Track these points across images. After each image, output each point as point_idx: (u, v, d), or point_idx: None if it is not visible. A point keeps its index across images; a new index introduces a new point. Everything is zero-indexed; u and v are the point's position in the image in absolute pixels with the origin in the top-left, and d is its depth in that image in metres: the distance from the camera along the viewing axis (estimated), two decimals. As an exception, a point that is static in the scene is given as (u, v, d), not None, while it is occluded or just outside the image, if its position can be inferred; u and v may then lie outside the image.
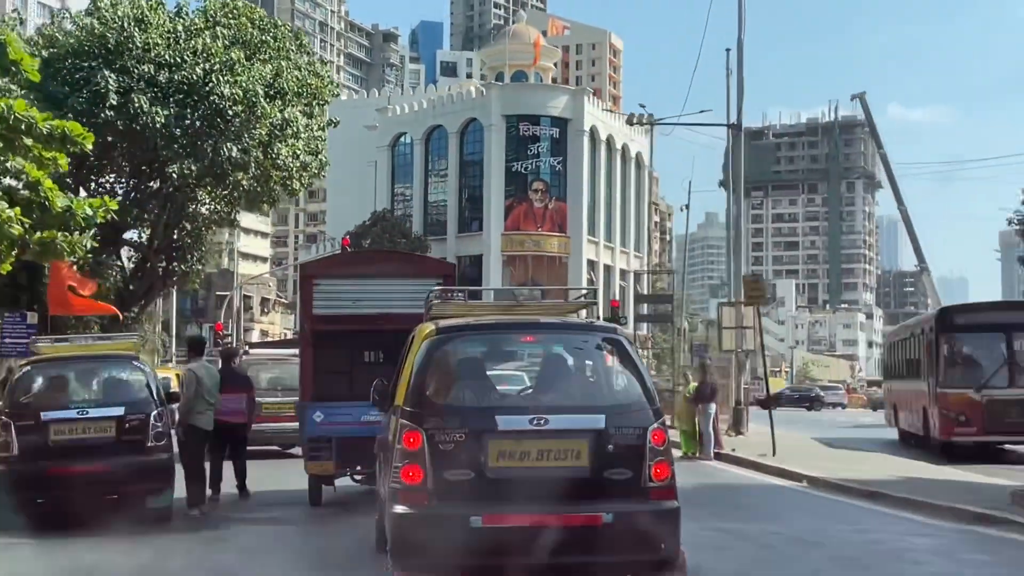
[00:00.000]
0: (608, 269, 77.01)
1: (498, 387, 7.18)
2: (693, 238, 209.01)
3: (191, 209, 28.78)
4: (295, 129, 27.86)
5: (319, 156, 29.38)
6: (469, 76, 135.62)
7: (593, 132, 74.76)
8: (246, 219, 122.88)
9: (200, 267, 29.77)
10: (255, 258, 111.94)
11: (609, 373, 6.94)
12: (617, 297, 76.33)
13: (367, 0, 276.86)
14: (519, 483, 6.29)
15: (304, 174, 29.26)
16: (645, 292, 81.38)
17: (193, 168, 25.94)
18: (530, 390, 7.30)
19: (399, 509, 6.35)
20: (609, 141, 77.24)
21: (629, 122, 24.13)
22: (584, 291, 8.73)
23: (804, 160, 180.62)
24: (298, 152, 28.11)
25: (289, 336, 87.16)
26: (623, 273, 79.17)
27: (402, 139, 77.02)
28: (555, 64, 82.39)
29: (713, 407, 18.40)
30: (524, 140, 71.48)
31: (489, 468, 6.31)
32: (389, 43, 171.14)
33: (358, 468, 12.00)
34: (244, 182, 27.11)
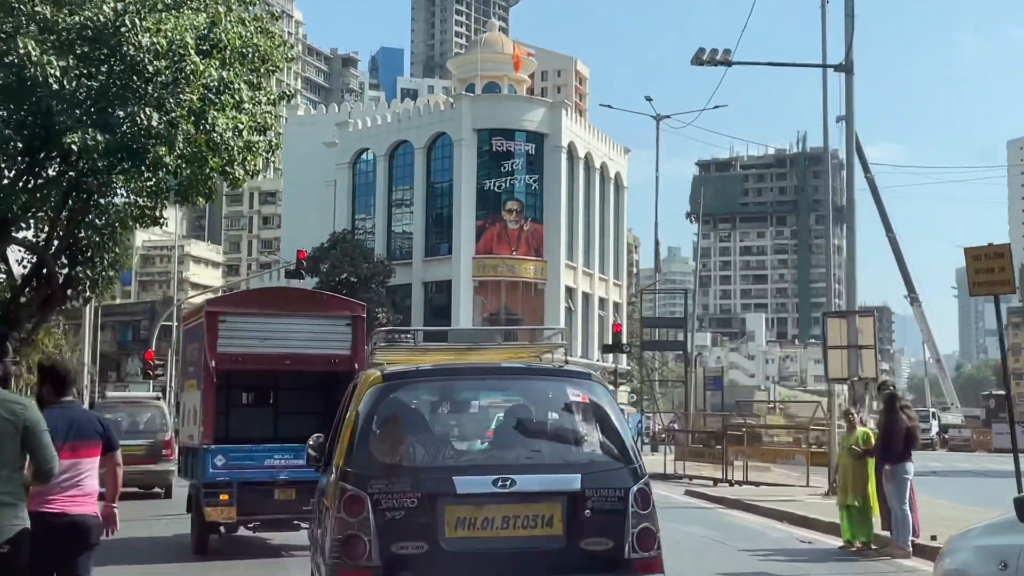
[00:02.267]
0: (587, 298, 72.67)
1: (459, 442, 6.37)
2: (651, 273, 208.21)
3: (101, 200, 22.33)
4: (237, 97, 21.53)
5: (268, 135, 22.97)
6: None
7: (571, 149, 70.33)
8: (196, 247, 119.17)
9: (112, 273, 23.22)
10: (205, 288, 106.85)
11: (584, 426, 6.28)
12: (596, 329, 71.33)
13: (326, 24, 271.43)
14: (481, 557, 5.68)
15: (249, 157, 22.79)
16: (624, 323, 77.09)
17: (100, 139, 19.52)
18: (489, 447, 6.32)
19: None
20: (587, 160, 72.92)
21: (698, 61, 17.47)
22: (556, 331, 7.95)
23: (772, 192, 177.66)
24: (240, 127, 21.72)
25: None
26: (602, 302, 74.54)
27: (364, 156, 72.50)
28: (530, 76, 76.91)
29: (911, 468, 11.84)
30: (497, 156, 67.26)
31: (445, 539, 5.68)
32: (348, 68, 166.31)
33: (257, 517, 11.42)
34: (168, 161, 20.61)
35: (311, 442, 7.23)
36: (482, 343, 7.49)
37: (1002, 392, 60.00)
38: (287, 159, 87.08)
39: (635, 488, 5.92)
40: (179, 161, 21.29)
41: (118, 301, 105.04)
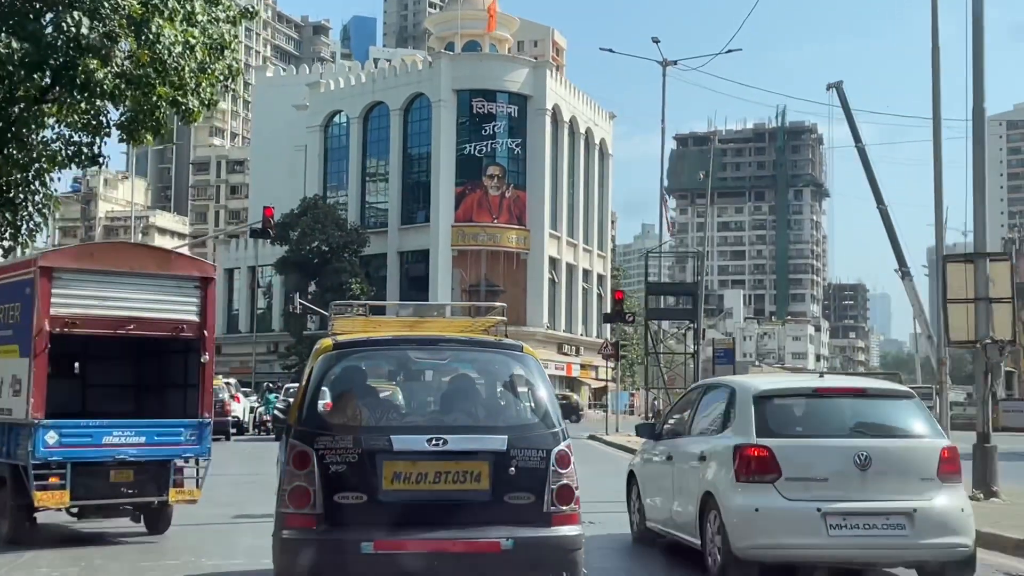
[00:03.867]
0: (571, 269, 70.10)
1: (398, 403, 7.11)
2: (627, 250, 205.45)
3: (24, 130, 18.42)
4: (188, 7, 17.72)
5: (227, 56, 19.08)
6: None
7: (556, 112, 67.60)
8: (161, 218, 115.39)
9: (39, 220, 19.33)
10: None
11: (515, 393, 6.92)
12: (579, 301, 68.27)
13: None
14: (414, 507, 6.29)
15: (204, 83, 18.89)
16: (607, 296, 74.31)
17: (16, 47, 15.71)
18: (429, 410, 7.09)
19: (285, 534, 6.28)
20: (572, 124, 70.35)
21: None
22: (496, 307, 8.48)
23: (750, 167, 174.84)
24: (192, 43, 17.87)
25: None
26: (586, 274, 71.98)
27: (336, 118, 69.92)
28: (511, 35, 73.45)
29: None
30: (478, 119, 64.90)
31: (382, 491, 6.28)
32: (319, 36, 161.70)
33: (89, 501, 10.51)
34: (105, 81, 16.76)
35: (279, 405, 10.17)
36: (429, 316, 8.19)
37: (1012, 369, 57.57)
38: (256, 124, 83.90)
39: (556, 449, 6.49)
40: (118, 82, 17.42)
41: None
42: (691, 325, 37.38)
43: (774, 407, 8.36)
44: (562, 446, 6.49)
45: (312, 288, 59.73)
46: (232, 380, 36.22)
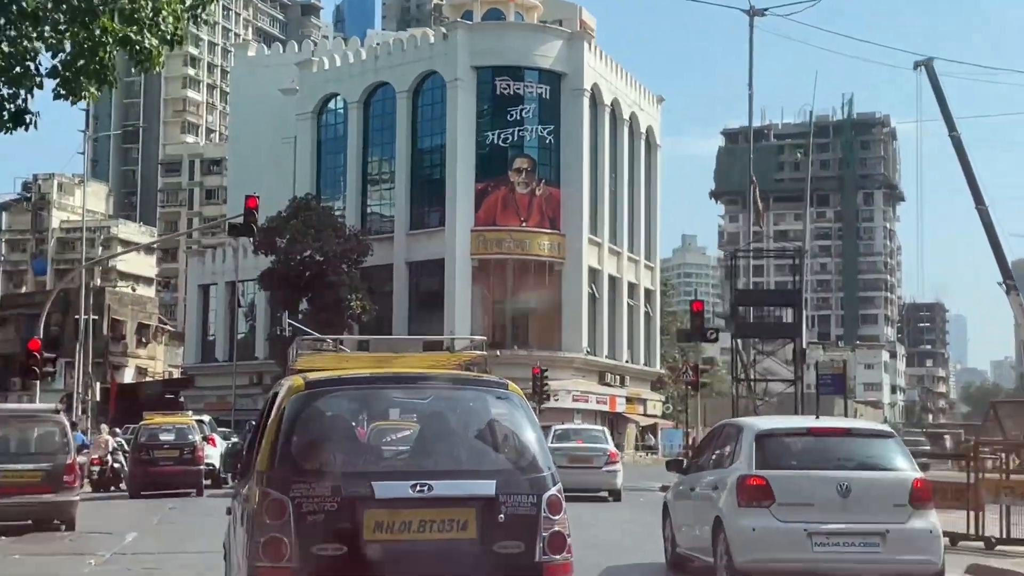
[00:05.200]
0: (613, 282, 68.27)
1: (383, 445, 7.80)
2: (666, 265, 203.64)
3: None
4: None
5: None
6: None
7: (595, 93, 65.71)
8: (125, 229, 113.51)
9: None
10: (137, 279, 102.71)
11: (500, 434, 7.37)
12: (624, 320, 65.58)
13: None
14: (398, 558, 6.72)
15: (165, 11, 15.85)
16: (657, 313, 72.57)
17: None
18: (409, 453, 7.63)
19: None
20: (614, 108, 68.42)
21: None
22: (473, 340, 9.71)
23: (812, 167, 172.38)
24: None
25: (176, 375, 79.17)
26: (631, 288, 70.36)
27: (331, 104, 69.00)
28: (539, 2, 71.64)
29: None
30: (502, 101, 63.59)
31: (364, 541, 6.68)
32: (309, 17, 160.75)
33: None
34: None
35: (227, 448, 13.23)
36: (404, 350, 9.21)
37: None
38: (235, 113, 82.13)
39: (547, 494, 7.02)
40: (52, 15, 14.59)
41: (24, 290, 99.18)
42: (783, 343, 34.86)
43: (772, 444, 11.37)
44: (553, 491, 7.03)
45: (303, 306, 58.29)
46: (206, 418, 33.88)
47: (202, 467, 26.95)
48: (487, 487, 6.78)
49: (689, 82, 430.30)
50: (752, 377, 38.23)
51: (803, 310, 32.66)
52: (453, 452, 7.17)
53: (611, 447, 25.54)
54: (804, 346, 35.41)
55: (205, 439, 28.60)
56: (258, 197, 29.76)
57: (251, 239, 56.52)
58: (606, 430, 26.97)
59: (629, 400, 68.17)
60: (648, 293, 72.85)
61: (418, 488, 6.67)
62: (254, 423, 8.22)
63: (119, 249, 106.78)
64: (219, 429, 36.72)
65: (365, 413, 7.72)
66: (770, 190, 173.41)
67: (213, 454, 29.26)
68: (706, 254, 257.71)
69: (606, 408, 64.35)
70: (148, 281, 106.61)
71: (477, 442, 7.33)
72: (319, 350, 8.75)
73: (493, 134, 63.17)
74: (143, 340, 78.04)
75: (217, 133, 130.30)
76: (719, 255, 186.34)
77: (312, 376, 7.35)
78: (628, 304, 69.27)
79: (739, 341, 37.65)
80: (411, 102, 64.64)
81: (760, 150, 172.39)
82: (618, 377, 67.48)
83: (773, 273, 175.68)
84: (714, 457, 12.50)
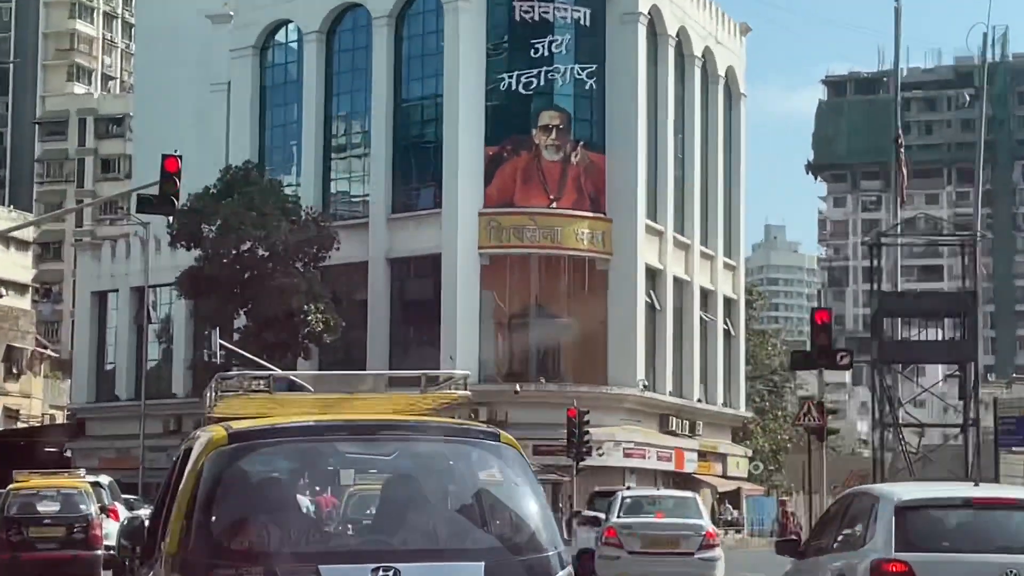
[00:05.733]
0: (680, 286, 68.97)
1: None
2: (746, 268, 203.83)
3: None
4: None
5: None
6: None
7: (653, 19, 66.53)
8: None
9: None
10: (5, 284, 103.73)
11: (490, 501, 7.75)
12: (696, 345, 66.87)
13: None
14: None
15: None
16: (741, 328, 73.31)
17: None
18: (367, 527, 8.20)
19: None
20: (681, 40, 69.36)
21: None
22: (455, 376, 9.55)
23: (951, 128, 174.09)
24: None
25: (59, 419, 79.23)
26: (705, 296, 71.53)
27: (281, 34, 70.66)
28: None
29: None
30: (523, 30, 64.14)
31: None
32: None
33: None
34: None
35: (123, 524, 11.68)
36: (362, 389, 9.58)
37: None
38: (142, 49, 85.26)
39: None
40: None
41: None
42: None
43: (918, 519, 12.12)
44: (562, 574, 7.49)
45: (240, 321, 59.00)
46: (104, 480, 33.38)
47: (100, 552, 26.00)
48: (474, 571, 7.11)
49: (764, 7, 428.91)
50: (897, 421, 37.58)
51: (978, 321, 32.14)
52: (427, 526, 7.49)
53: (708, 523, 24.59)
54: (978, 372, 35.36)
55: (104, 511, 27.81)
56: (180, 158, 29.08)
57: (167, 224, 57.22)
58: (698, 497, 26.00)
59: (702, 456, 68.12)
60: (728, 304, 73.22)
61: (381, 573, 7.01)
62: (160, 488, 8.76)
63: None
64: (124, 496, 36.35)
65: (308, 474, 8.19)
66: (889, 161, 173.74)
67: (115, 533, 27.35)
68: (798, 252, 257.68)
69: (670, 466, 64.37)
70: (21, 288, 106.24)
71: (459, 511, 7.70)
72: (250, 390, 9.03)
73: (510, 77, 63.67)
74: (13, 370, 79.15)
75: (117, 80, 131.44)
76: (819, 252, 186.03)
77: (237, 426, 7.72)
78: (701, 319, 69.54)
79: (880, 369, 36.96)
80: (393, 32, 65.17)
81: (876, 105, 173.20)
82: (687, 423, 67.44)
83: (901, 276, 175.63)
84: (841, 536, 13.34)
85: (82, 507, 26.61)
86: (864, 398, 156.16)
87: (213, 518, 7.27)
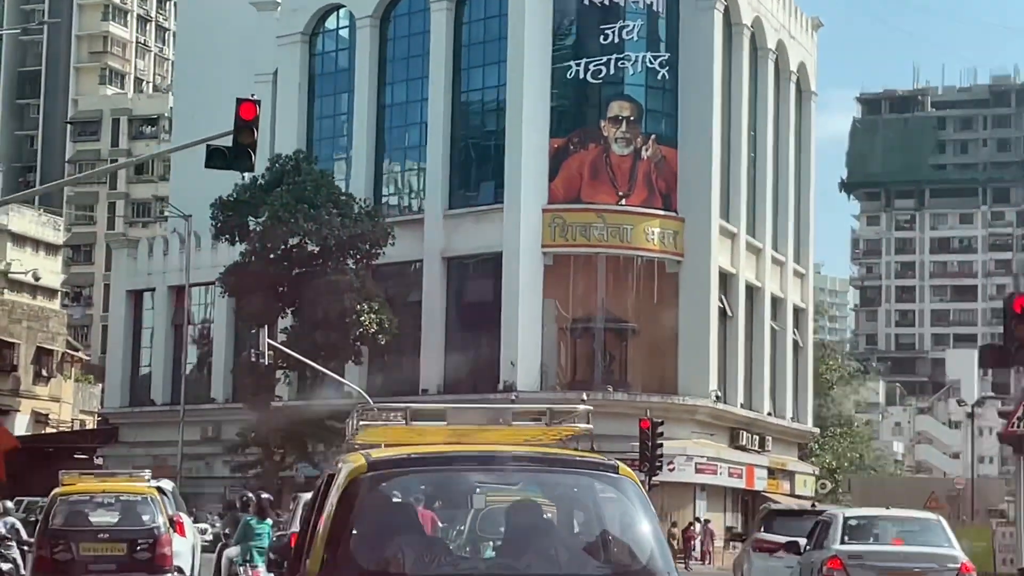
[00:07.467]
0: (751, 293, 68.25)
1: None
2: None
3: None
4: None
5: None
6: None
7: (728, 6, 65.63)
8: (18, 219, 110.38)
9: None
10: (36, 289, 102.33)
11: (610, 530, 8.47)
12: (767, 355, 67.87)
13: None
14: None
15: None
16: (809, 341, 71.79)
17: None
18: (495, 553, 8.80)
19: None
20: (755, 33, 68.65)
21: None
22: (579, 411, 9.80)
23: (986, 147, 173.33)
24: None
25: (89, 424, 77.59)
26: (775, 304, 70.41)
27: (332, 20, 70.92)
28: None
29: None
30: (592, 15, 63.85)
31: None
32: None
33: None
34: None
35: (273, 544, 11.52)
36: (490, 421, 9.69)
37: None
38: (184, 38, 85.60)
39: None
40: None
41: None
42: None
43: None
44: None
45: (287, 321, 58.69)
46: (167, 485, 29.26)
47: (169, 572, 22.34)
48: None
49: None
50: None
51: None
52: (549, 552, 8.17)
53: (960, 553, 19.53)
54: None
55: (170, 521, 23.89)
56: (259, 103, 25.00)
57: (211, 216, 57.99)
58: (943, 521, 21.36)
59: (771, 473, 67.40)
60: (797, 313, 72.63)
61: None
62: (304, 510, 10.84)
63: (8, 246, 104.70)
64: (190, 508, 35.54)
65: (440, 501, 9.14)
66: (926, 180, 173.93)
67: (183, 551, 25.06)
68: (821, 273, 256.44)
69: (741, 484, 64.07)
70: (50, 293, 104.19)
71: (581, 540, 8.45)
72: (389, 420, 9.54)
73: (577, 65, 63.14)
74: (43, 373, 78.19)
75: (150, 84, 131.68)
76: (851, 272, 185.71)
77: (376, 455, 8.48)
78: (771, 327, 68.67)
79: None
80: (452, 17, 64.79)
81: (912, 124, 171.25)
82: (756, 438, 66.64)
83: (929, 296, 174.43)
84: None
85: (147, 518, 22.28)
86: (899, 419, 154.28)
87: (351, 541, 7.95)
